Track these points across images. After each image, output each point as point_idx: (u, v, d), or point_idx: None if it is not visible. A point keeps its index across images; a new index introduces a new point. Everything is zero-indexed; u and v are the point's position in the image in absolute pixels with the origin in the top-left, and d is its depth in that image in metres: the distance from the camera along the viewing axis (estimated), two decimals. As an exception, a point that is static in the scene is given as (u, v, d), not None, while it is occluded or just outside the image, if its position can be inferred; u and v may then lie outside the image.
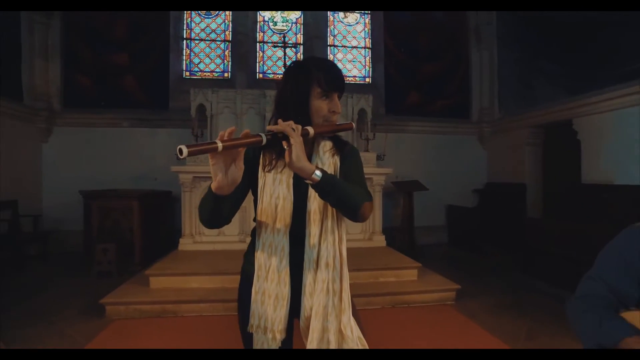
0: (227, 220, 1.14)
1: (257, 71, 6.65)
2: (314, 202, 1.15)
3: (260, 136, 0.96)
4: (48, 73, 5.85)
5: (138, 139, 6.03)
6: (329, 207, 1.15)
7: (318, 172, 1.01)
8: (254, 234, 1.21)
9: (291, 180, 1.17)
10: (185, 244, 4.48)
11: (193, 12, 6.60)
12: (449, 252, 6.09)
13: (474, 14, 6.72)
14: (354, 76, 6.89)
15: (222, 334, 2.89)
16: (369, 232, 4.81)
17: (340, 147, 1.23)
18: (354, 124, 1.22)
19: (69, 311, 3.31)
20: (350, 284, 1.19)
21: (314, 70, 1.16)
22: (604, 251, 1.10)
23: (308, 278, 1.13)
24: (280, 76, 6.34)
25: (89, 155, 5.89)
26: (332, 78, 1.16)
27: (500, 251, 5.74)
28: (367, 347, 1.16)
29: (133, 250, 4.75)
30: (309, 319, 1.12)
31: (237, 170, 0.99)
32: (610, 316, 0.97)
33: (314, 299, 1.12)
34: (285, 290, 1.13)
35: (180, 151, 0.83)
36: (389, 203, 6.37)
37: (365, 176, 1.25)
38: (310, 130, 1.08)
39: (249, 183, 1.18)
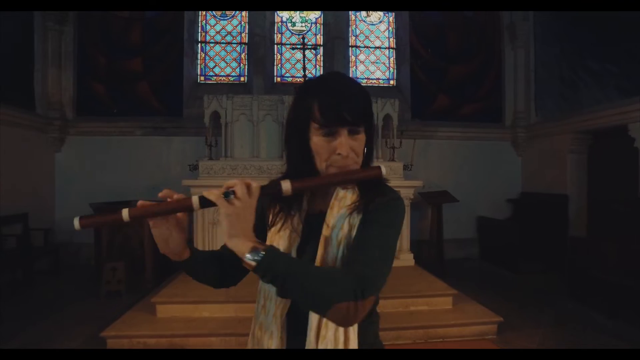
0: (233, 281, 1.03)
1: (275, 75, 6.33)
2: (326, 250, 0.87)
3: (191, 201, 0.77)
4: (61, 81, 5.68)
5: (152, 147, 5.80)
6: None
7: (249, 255, 0.73)
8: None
9: (297, 247, 0.90)
10: (198, 262, 4.19)
11: (208, 14, 6.34)
12: (481, 268, 5.62)
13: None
14: (377, 79, 6.48)
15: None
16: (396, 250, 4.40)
17: (368, 201, 0.87)
18: (383, 170, 0.82)
19: (70, 342, 3.05)
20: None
21: (309, 97, 0.86)
22: None
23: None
24: (299, 80, 6.04)
25: (102, 165, 5.70)
26: (329, 106, 0.83)
27: (539, 269, 5.23)
28: None
29: (144, 267, 4.51)
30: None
31: (177, 240, 0.84)
32: None
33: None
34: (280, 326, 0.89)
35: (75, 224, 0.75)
36: (415, 214, 5.92)
37: None
38: (285, 186, 0.77)
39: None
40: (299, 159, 0.88)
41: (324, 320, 0.82)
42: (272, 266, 0.73)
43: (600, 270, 3.72)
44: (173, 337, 2.96)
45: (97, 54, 5.85)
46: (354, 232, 0.85)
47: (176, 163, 5.69)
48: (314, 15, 6.47)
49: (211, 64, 6.31)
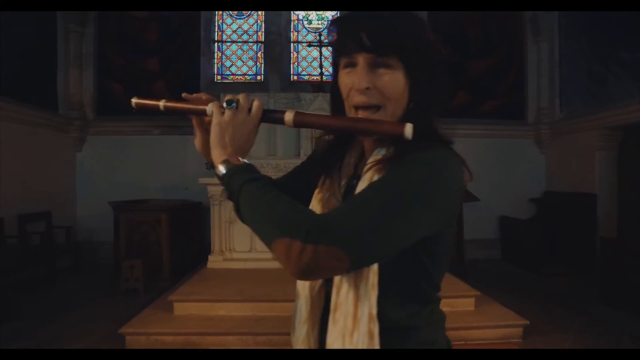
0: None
1: (292, 73, 6.31)
2: None
3: (206, 107, 0.76)
4: (82, 81, 5.79)
5: (169, 146, 5.84)
6: None
7: (220, 167, 0.70)
8: None
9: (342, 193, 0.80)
10: (215, 261, 4.18)
11: (224, 14, 6.36)
12: (503, 269, 5.45)
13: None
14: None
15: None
16: (414, 249, 4.30)
17: (400, 155, 0.67)
18: (409, 128, 0.64)
19: (89, 338, 3.07)
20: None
21: (338, 29, 0.73)
22: None
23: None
24: (316, 78, 5.99)
25: (121, 164, 5.78)
26: (348, 28, 0.70)
27: (565, 271, 5.03)
28: None
29: (161, 265, 4.53)
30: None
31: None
32: None
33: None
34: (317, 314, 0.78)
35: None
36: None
37: None
38: (288, 116, 0.71)
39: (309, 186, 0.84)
40: (332, 103, 0.80)
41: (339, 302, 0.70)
42: (230, 182, 0.67)
43: (635, 273, 3.53)
44: (190, 335, 2.94)
45: (115, 55, 5.93)
46: None
47: (192, 161, 5.70)
48: (329, 13, 6.41)
49: (228, 63, 6.33)
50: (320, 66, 5.46)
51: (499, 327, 3.06)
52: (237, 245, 4.26)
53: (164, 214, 4.60)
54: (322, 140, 0.87)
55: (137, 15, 5.88)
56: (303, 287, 0.79)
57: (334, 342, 0.69)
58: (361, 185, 0.69)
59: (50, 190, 5.17)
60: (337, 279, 0.70)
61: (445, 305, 2.74)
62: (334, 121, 0.74)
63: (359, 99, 0.70)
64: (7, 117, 4.38)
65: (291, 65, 6.31)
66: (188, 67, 6.00)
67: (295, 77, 6.29)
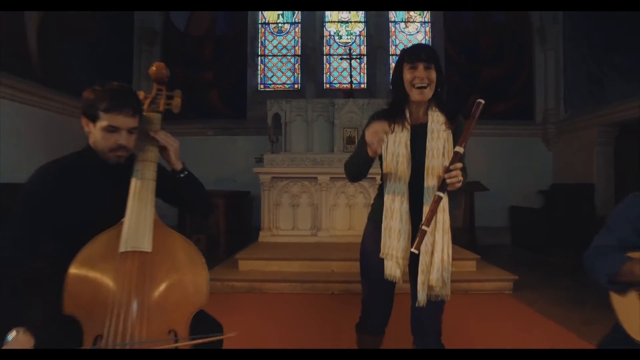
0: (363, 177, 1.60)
1: (325, 82, 7.24)
2: (432, 159, 1.46)
3: None
4: (149, 91, 6.90)
5: (220, 145, 6.88)
6: (442, 165, 1.44)
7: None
8: (381, 187, 1.58)
9: (409, 141, 1.50)
10: (265, 236, 5.11)
11: (267, 31, 7.39)
12: (513, 252, 6.13)
13: (537, 14, 6.72)
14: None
15: (299, 309, 3.40)
16: (430, 228, 5.09)
17: (454, 122, 1.51)
18: (482, 100, 1.37)
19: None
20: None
21: (403, 53, 1.53)
22: (613, 212, 1.42)
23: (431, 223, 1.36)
24: (346, 86, 6.90)
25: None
26: (413, 51, 1.49)
27: (570, 254, 5.66)
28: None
29: (218, 243, 5.48)
30: (429, 252, 1.42)
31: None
32: (616, 253, 1.31)
33: (435, 236, 1.43)
34: (407, 227, 1.45)
35: None
36: (451, 204, 6.52)
37: None
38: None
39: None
40: (396, 89, 1.53)
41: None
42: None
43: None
44: (252, 282, 3.88)
45: (177, 68, 7.03)
46: (447, 147, 1.47)
47: (241, 158, 6.71)
48: (357, 28, 7.33)
49: (269, 74, 7.33)
50: (350, 75, 6.35)
51: (494, 280, 3.84)
52: (282, 224, 5.19)
53: (221, 199, 5.58)
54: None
55: (194, 35, 7.00)
56: None
57: None
58: (440, 134, 1.48)
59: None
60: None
61: (453, 266, 3.69)
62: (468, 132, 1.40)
63: (421, 83, 1.44)
64: None
65: (324, 75, 7.25)
66: (237, 78, 7.05)
67: (328, 86, 7.22)
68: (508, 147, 6.75)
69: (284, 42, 7.36)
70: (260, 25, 7.33)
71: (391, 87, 1.59)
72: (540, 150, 6.79)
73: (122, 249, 1.19)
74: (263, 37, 7.38)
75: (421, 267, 1.43)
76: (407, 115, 1.54)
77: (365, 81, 7.19)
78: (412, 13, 7.32)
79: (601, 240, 1.41)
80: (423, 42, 7.24)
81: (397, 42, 7.28)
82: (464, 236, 5.97)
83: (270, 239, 5.09)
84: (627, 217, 1.37)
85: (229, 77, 7.03)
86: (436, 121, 1.50)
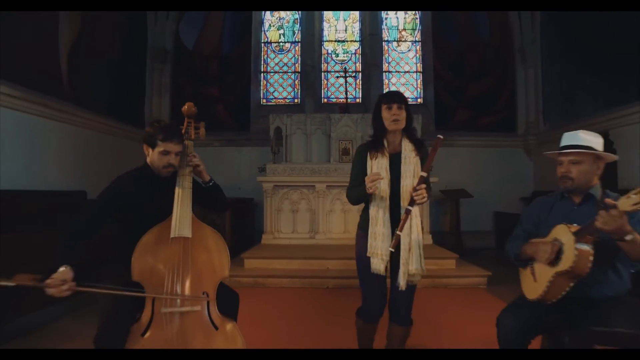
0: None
1: (322, 97, 7.80)
2: (405, 179, 1.91)
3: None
4: (161, 106, 7.49)
5: (226, 155, 7.42)
6: (413, 185, 1.84)
7: None
8: (367, 202, 2.01)
9: (388, 166, 1.95)
10: (267, 238, 5.63)
11: (269, 50, 7.97)
12: (496, 254, 6.62)
13: (519, 35, 7.29)
14: (407, 97, 7.71)
15: (298, 300, 3.91)
16: (417, 232, 5.60)
17: (420, 150, 1.98)
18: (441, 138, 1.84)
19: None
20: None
21: (381, 97, 2.02)
22: (524, 211, 1.94)
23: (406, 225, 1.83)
24: (342, 100, 7.47)
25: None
26: (389, 95, 2.00)
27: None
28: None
29: (225, 244, 5.99)
30: (407, 249, 1.87)
31: None
32: (521, 240, 1.83)
33: (411, 237, 1.88)
34: (388, 231, 1.89)
35: None
36: (440, 210, 7.10)
37: None
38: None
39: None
40: (376, 125, 2.01)
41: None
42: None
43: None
44: (257, 278, 4.39)
45: (186, 84, 7.62)
46: (416, 170, 1.91)
47: (245, 167, 7.26)
48: (353, 47, 7.92)
49: (271, 89, 7.90)
50: (346, 91, 6.90)
51: (470, 276, 4.35)
52: (283, 227, 5.71)
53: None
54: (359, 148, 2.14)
55: (202, 54, 7.59)
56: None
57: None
58: (410, 159, 1.94)
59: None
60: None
61: (434, 264, 4.37)
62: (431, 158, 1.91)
63: (396, 119, 1.91)
64: (107, 131, 5.97)
65: (322, 90, 7.81)
66: (241, 93, 7.61)
67: (326, 100, 7.78)
68: (493, 157, 7.28)
69: (285, 60, 7.93)
70: (263, 44, 7.92)
71: (372, 124, 2.06)
72: (522, 160, 7.33)
73: (172, 235, 1.72)
74: (265, 55, 7.95)
75: (402, 260, 1.89)
76: (386, 144, 2.01)
77: (361, 96, 7.75)
78: (403, 33, 7.91)
79: (515, 232, 1.94)
80: (414, 59, 7.84)
81: (390, 59, 7.86)
82: (451, 239, 6.48)
83: (272, 241, 5.60)
84: (531, 215, 1.90)
85: (234, 92, 7.60)
86: (408, 149, 1.97)
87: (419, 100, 7.74)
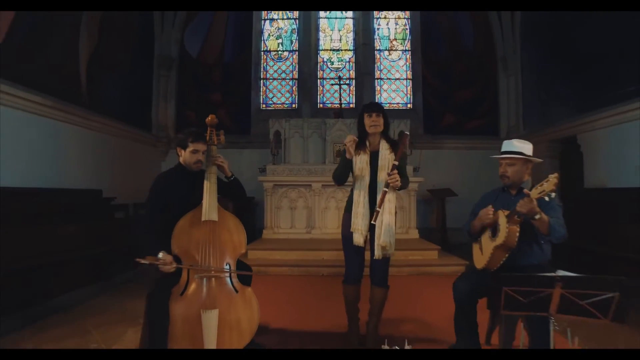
0: (345, 181, 2.60)
1: (318, 102, 8.32)
2: (381, 171, 2.45)
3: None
4: (167, 110, 7.97)
5: (228, 157, 7.76)
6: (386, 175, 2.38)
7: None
8: (352, 190, 2.58)
9: (368, 160, 2.51)
10: (267, 233, 6.12)
11: (268, 58, 8.48)
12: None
13: (501, 46, 7.85)
14: (397, 103, 8.30)
15: (296, 287, 4.39)
16: (405, 227, 6.09)
17: (394, 148, 2.51)
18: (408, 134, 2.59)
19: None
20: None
21: (364, 107, 2.61)
22: (478, 201, 2.46)
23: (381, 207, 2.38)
24: (336, 105, 7.98)
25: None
26: (369, 106, 2.58)
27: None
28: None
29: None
30: (380, 226, 2.41)
31: None
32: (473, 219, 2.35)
33: (383, 216, 2.41)
34: (367, 211, 2.46)
35: None
36: (427, 208, 7.63)
37: None
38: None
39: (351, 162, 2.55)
40: (359, 129, 2.57)
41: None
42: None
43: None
44: (259, 266, 4.86)
45: (190, 91, 8.11)
46: (391, 162, 2.42)
47: (246, 168, 7.72)
48: (347, 55, 8.44)
49: (270, 95, 8.41)
50: (340, 97, 7.42)
51: (451, 265, 4.87)
52: (282, 223, 6.20)
53: (230, 203, 6.53)
54: (340, 151, 2.79)
55: (206, 62, 8.08)
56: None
57: None
58: (385, 155, 2.51)
59: (142, 189, 7.26)
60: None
61: (419, 255, 4.95)
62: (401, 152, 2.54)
63: (374, 125, 2.51)
64: (119, 134, 6.46)
65: (318, 96, 8.33)
66: (242, 99, 8.12)
67: (321, 105, 8.30)
68: (477, 158, 7.81)
69: (283, 68, 8.45)
70: (262, 53, 8.43)
71: (357, 128, 2.64)
72: (504, 162, 7.85)
73: (203, 218, 2.22)
74: (265, 63, 8.46)
75: (377, 234, 2.46)
76: (367, 144, 2.58)
77: (354, 101, 8.28)
78: (394, 42, 8.45)
79: (470, 218, 2.46)
80: (404, 67, 8.39)
81: (382, 67, 8.39)
82: (437, 235, 7.00)
83: (272, 236, 6.09)
84: (481, 205, 2.41)
85: (235, 98, 8.10)
86: (384, 148, 2.54)
87: (408, 105, 8.27)
